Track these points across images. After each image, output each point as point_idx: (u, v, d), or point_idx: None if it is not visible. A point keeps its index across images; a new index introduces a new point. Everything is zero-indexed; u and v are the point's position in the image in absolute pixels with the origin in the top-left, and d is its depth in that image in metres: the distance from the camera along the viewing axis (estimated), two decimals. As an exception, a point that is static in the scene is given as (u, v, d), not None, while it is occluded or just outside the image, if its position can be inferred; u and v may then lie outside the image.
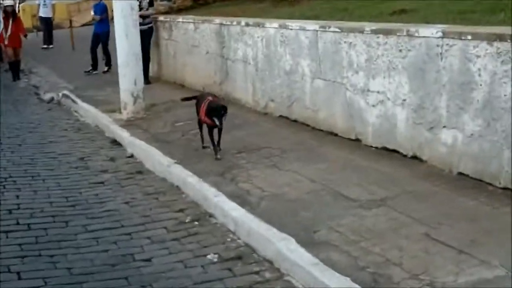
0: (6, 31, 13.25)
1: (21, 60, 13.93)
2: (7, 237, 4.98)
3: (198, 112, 6.66)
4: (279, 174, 5.78)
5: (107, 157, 7.28)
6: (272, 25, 7.82)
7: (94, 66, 13.18)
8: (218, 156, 6.37)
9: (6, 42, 13.41)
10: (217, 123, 6.20)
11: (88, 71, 13.13)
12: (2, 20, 13.32)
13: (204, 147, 6.79)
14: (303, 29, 7.22)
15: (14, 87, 12.87)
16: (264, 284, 4.06)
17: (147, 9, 10.29)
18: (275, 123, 7.67)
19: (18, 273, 4.33)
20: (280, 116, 7.80)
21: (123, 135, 7.78)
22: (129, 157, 7.23)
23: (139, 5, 9.74)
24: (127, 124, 8.23)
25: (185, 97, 7.43)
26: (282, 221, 4.65)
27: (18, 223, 5.29)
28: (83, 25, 21.90)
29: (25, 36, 14.32)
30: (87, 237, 4.97)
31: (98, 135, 8.43)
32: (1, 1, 13.34)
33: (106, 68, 13.12)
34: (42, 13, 19.32)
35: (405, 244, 4.10)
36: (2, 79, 13.92)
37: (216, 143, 6.44)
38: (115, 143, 7.86)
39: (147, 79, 10.37)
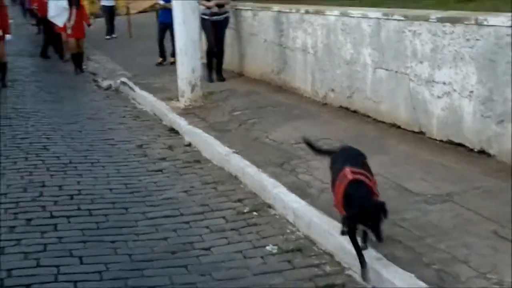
0: (69, 20, 12.84)
1: (84, 52, 13.63)
2: (69, 222, 5.11)
3: (333, 183, 4.20)
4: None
5: (165, 145, 7.37)
6: (332, 13, 7.74)
7: (163, 57, 12.92)
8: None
9: (69, 32, 13.00)
10: (371, 234, 3.62)
11: (159, 63, 12.84)
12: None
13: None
14: (365, 17, 7.14)
15: (71, 74, 13.10)
16: (324, 278, 4.05)
17: None
18: (335, 113, 7.61)
19: (80, 257, 4.43)
20: (340, 106, 7.74)
21: (181, 123, 7.84)
22: (187, 145, 7.31)
23: None
24: (185, 113, 8.29)
25: (312, 145, 4.88)
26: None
27: (79, 209, 5.41)
28: (139, 12, 22.12)
29: (89, 25, 13.91)
30: (146, 224, 5.05)
31: (155, 122, 8.54)
32: None
33: (172, 59, 12.51)
34: (104, 1, 19.24)
35: (472, 241, 4.01)
36: (61, 67, 14.22)
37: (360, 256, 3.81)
38: (173, 131, 7.94)
39: (221, 75, 10.27)
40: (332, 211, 4.64)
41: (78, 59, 13.17)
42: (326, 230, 4.44)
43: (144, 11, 22.10)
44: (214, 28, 9.95)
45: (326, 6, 8.25)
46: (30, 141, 7.73)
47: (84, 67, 13.56)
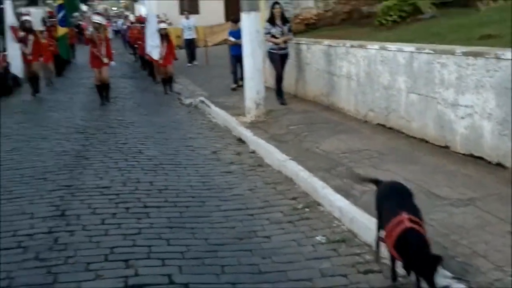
0: (162, 52, 13.05)
1: (173, 76, 13.58)
2: (158, 211, 5.18)
3: (380, 224, 3.64)
4: (378, 173, 5.60)
5: (234, 152, 7.38)
6: (373, 47, 7.64)
7: (235, 82, 12.62)
8: None
9: (160, 62, 13.21)
10: (424, 283, 3.11)
11: (234, 88, 12.46)
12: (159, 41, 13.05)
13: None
14: (401, 50, 7.01)
15: (161, 94, 13.30)
16: (365, 265, 3.99)
17: (287, 34, 9.70)
18: (373, 129, 7.49)
19: (167, 240, 4.50)
20: (378, 124, 7.61)
21: (247, 134, 7.86)
22: (251, 152, 7.29)
23: (281, 32, 9.50)
24: (250, 126, 8.31)
25: (362, 177, 4.64)
26: (381, 213, 4.56)
27: (166, 201, 5.47)
28: (215, 44, 22.36)
29: (175, 59, 13.95)
30: (219, 215, 5.07)
31: (226, 133, 8.58)
32: (159, 25, 13.14)
33: (240, 83, 12.20)
34: (186, 36, 19.25)
35: (491, 239, 3.89)
36: (153, 87, 14.48)
37: None
38: (240, 140, 7.96)
39: (282, 98, 9.84)
40: (372, 210, 4.57)
41: (168, 82, 13.22)
42: (366, 226, 4.36)
43: (218, 44, 22.33)
44: (281, 60, 9.75)
45: (367, 42, 8.15)
46: (129, 146, 7.89)
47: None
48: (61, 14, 13.90)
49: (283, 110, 9.28)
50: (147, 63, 16.45)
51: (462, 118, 5.88)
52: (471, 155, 5.77)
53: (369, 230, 4.27)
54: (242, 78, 12.18)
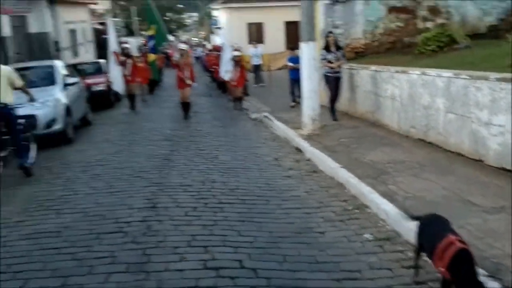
0: (234, 75, 13.15)
1: (242, 96, 13.48)
2: (231, 207, 5.22)
3: (431, 246, 3.18)
4: (418, 182, 5.48)
5: (293, 159, 7.34)
6: (415, 72, 7.43)
7: (294, 101, 12.39)
8: None
9: (234, 83, 13.17)
10: None
11: (292, 106, 12.22)
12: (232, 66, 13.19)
13: None
14: (440, 75, 6.78)
15: (231, 109, 13.42)
16: (407, 261, 3.85)
17: (341, 59, 9.43)
18: (414, 144, 7.26)
19: (238, 231, 4.52)
20: (418, 139, 7.37)
21: (304, 145, 7.81)
22: (307, 160, 7.23)
23: (336, 57, 9.31)
24: (307, 138, 8.25)
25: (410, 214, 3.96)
26: (421, 216, 4.42)
27: (237, 198, 5.51)
28: (276, 69, 22.40)
29: (246, 81, 13.97)
30: (281, 212, 5.06)
31: (286, 144, 8.55)
32: (233, 53, 13.15)
33: (298, 100, 11.97)
34: (254, 62, 19.34)
35: (522, 243, 3.69)
36: (226, 104, 14.64)
37: None
38: (298, 150, 7.92)
39: (334, 115, 9.53)
40: (414, 213, 4.45)
41: (239, 100, 13.20)
42: (409, 227, 4.22)
43: (279, 69, 22.37)
44: (335, 82, 9.50)
45: (409, 68, 7.93)
46: (207, 152, 8.00)
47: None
48: (151, 43, 14.15)
49: (335, 125, 9.17)
50: (221, 84, 16.72)
51: (495, 135, 5.61)
52: (503, 169, 5.49)
53: (411, 231, 4.14)
54: (299, 97, 12.23)
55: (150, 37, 13.85)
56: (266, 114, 11.32)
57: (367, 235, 4.39)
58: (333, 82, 9.46)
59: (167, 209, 5.15)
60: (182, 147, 8.44)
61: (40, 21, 19.49)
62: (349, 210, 5.04)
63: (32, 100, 7.14)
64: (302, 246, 4.21)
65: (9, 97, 6.48)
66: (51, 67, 10.11)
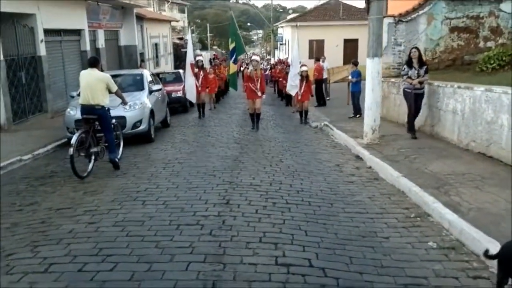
0: (300, 90, 12.11)
1: (308, 110, 12.58)
2: (297, 207, 5.09)
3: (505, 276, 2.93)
4: (481, 194, 5.10)
5: (354, 166, 7.11)
6: (479, 89, 6.95)
7: (355, 113, 11.99)
8: None
9: (299, 98, 12.31)
10: None
11: (351, 117, 11.87)
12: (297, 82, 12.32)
13: None
14: (505, 92, 6.29)
15: (293, 119, 13.23)
16: (473, 271, 3.58)
17: (423, 76, 8.29)
18: (474, 157, 6.79)
19: (305, 231, 4.39)
20: (479, 152, 6.89)
21: (365, 153, 7.54)
22: (368, 168, 6.98)
23: (417, 73, 8.25)
24: (367, 147, 7.97)
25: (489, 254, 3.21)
26: (487, 228, 4.07)
27: (303, 200, 5.38)
28: (335, 81, 22.01)
29: (312, 95, 13.13)
30: (345, 216, 4.87)
31: (346, 151, 8.31)
32: (301, 68, 12.20)
33: (357, 116, 11.74)
34: (323, 76, 17.75)
35: None
36: (289, 114, 14.53)
37: None
38: (358, 158, 7.66)
39: (413, 132, 8.41)
40: (479, 224, 4.12)
41: (305, 113, 12.25)
42: (475, 238, 3.92)
43: (337, 82, 21.98)
44: (415, 98, 8.37)
45: (473, 84, 7.43)
46: (272, 155, 7.91)
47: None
48: (233, 55, 13.60)
49: (394, 136, 8.77)
50: (284, 95, 16.61)
51: None
52: None
53: (478, 242, 3.84)
54: (358, 112, 11.84)
55: (232, 51, 13.38)
56: (326, 123, 11.10)
57: (430, 243, 4.11)
58: (411, 98, 8.40)
59: (239, 206, 5.10)
60: (250, 150, 8.41)
61: (129, 35, 20.42)
62: (411, 218, 4.76)
63: (124, 103, 7.40)
64: (367, 249, 4.01)
65: (105, 100, 6.74)
66: (141, 75, 10.46)
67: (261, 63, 20.18)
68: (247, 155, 7.90)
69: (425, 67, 8.36)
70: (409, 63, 8.42)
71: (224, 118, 13.37)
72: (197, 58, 13.10)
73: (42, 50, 12.36)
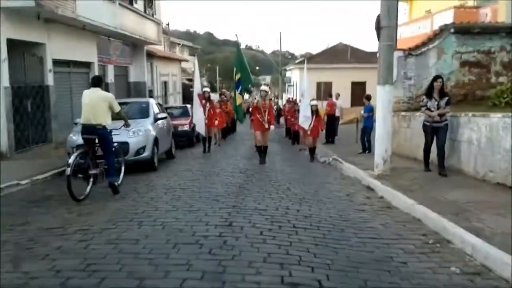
0: (309, 125, 11.70)
1: (316, 146, 11.97)
2: (305, 231, 4.76)
3: None
4: (505, 220, 4.72)
5: (365, 196, 6.77)
6: (496, 116, 6.72)
7: (364, 149, 11.69)
8: None
9: (308, 133, 11.64)
10: None
11: (360, 152, 11.55)
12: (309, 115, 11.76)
13: None
14: (524, 118, 6.06)
15: (300, 155, 12.88)
16: (505, 298, 3.20)
17: (445, 108, 7.78)
18: (493, 187, 6.45)
19: (314, 254, 4.06)
20: (497, 183, 6.54)
21: (376, 183, 7.21)
22: (380, 198, 6.64)
23: (437, 105, 7.75)
24: (378, 178, 7.64)
25: None
26: (515, 253, 3.69)
27: (311, 225, 5.05)
28: (345, 123, 21.80)
29: (322, 130, 12.71)
30: (357, 241, 4.51)
31: (356, 183, 7.98)
32: (311, 102, 11.77)
33: (366, 152, 11.46)
34: (336, 113, 16.88)
35: None
36: (295, 151, 14.29)
37: None
38: (369, 189, 7.32)
39: (443, 170, 7.62)
40: (506, 249, 3.75)
41: (313, 151, 11.68)
42: (504, 262, 3.55)
43: (345, 123, 21.79)
44: (433, 132, 7.87)
45: (490, 112, 7.20)
46: (279, 184, 7.63)
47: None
48: (239, 86, 13.04)
49: (405, 168, 8.47)
50: (292, 133, 16.47)
51: None
52: None
53: (507, 265, 3.47)
54: (369, 148, 11.47)
55: (238, 81, 12.84)
56: (335, 157, 10.82)
57: (453, 268, 3.74)
58: (429, 133, 7.88)
59: (242, 228, 4.78)
60: (256, 178, 8.14)
61: (139, 72, 20.70)
62: (429, 244, 4.40)
63: (127, 125, 7.22)
64: (383, 273, 3.65)
65: (107, 120, 6.58)
66: (147, 103, 10.41)
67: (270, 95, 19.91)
68: (252, 183, 7.62)
69: (446, 98, 7.82)
70: (429, 93, 7.90)
71: (230, 151, 13.17)
72: (204, 89, 12.89)
73: (50, 80, 12.42)
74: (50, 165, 9.56)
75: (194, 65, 13.94)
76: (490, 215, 4.95)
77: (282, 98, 40.26)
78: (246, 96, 12.66)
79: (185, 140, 14.34)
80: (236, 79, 12.67)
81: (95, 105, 6.46)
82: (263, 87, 10.92)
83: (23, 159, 10.55)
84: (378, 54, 7.99)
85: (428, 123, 7.94)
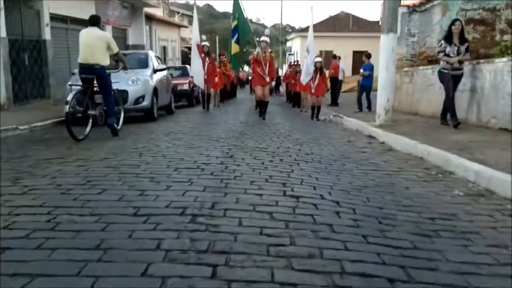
0: (313, 82, 11.03)
1: (321, 106, 11.25)
2: (306, 163, 4.73)
3: None
4: (508, 153, 4.68)
5: (366, 142, 6.72)
6: (501, 60, 6.61)
7: (360, 108, 11.56)
8: None
9: (312, 91, 11.10)
10: None
11: (356, 111, 11.31)
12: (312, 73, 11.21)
13: None
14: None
15: (301, 115, 12.73)
16: (505, 211, 3.16)
17: (464, 54, 7.20)
18: (495, 132, 6.42)
19: (316, 178, 4.01)
20: (500, 128, 6.50)
21: (377, 131, 7.16)
22: (381, 143, 6.59)
23: (457, 51, 7.16)
24: (379, 127, 7.58)
25: None
26: (520, 176, 3.65)
27: (313, 160, 5.01)
28: (343, 91, 21.54)
29: (327, 90, 12.30)
30: (358, 172, 4.46)
31: (358, 133, 7.91)
32: (316, 59, 11.09)
33: (368, 110, 11.27)
34: (340, 76, 16.00)
35: None
36: (298, 113, 14.14)
37: None
38: (371, 137, 7.26)
39: (454, 118, 7.10)
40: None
41: (317, 110, 11.03)
42: (506, 181, 3.51)
43: (345, 91, 21.57)
44: (453, 81, 7.25)
45: (495, 58, 7.08)
46: (279, 132, 7.61)
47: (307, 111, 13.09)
48: (236, 34, 12.48)
49: (407, 118, 8.41)
50: (292, 95, 16.31)
51: None
52: None
53: (509, 185, 3.43)
54: (369, 107, 11.39)
55: (234, 29, 12.24)
56: (335, 113, 10.72)
57: (456, 191, 3.70)
58: (448, 80, 7.20)
59: (243, 159, 4.75)
60: (256, 128, 8.09)
61: (137, 35, 20.35)
62: (432, 175, 4.36)
63: (125, 68, 7.07)
64: (385, 194, 3.60)
65: (105, 60, 6.44)
66: (146, 54, 10.26)
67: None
68: (253, 131, 7.59)
69: (466, 44, 7.23)
70: (448, 38, 7.26)
71: (230, 110, 13.09)
72: (203, 43, 12.23)
73: (47, 34, 12.18)
74: (49, 115, 9.46)
75: (193, 11, 13.17)
76: (494, 150, 4.92)
77: (282, 69, 39.85)
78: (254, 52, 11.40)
79: (185, 99, 14.20)
80: (233, 26, 12.12)
81: (93, 44, 6.30)
82: (263, 38, 10.37)
83: (21, 110, 10.43)
84: (382, 1, 7.79)
85: (446, 71, 7.26)
